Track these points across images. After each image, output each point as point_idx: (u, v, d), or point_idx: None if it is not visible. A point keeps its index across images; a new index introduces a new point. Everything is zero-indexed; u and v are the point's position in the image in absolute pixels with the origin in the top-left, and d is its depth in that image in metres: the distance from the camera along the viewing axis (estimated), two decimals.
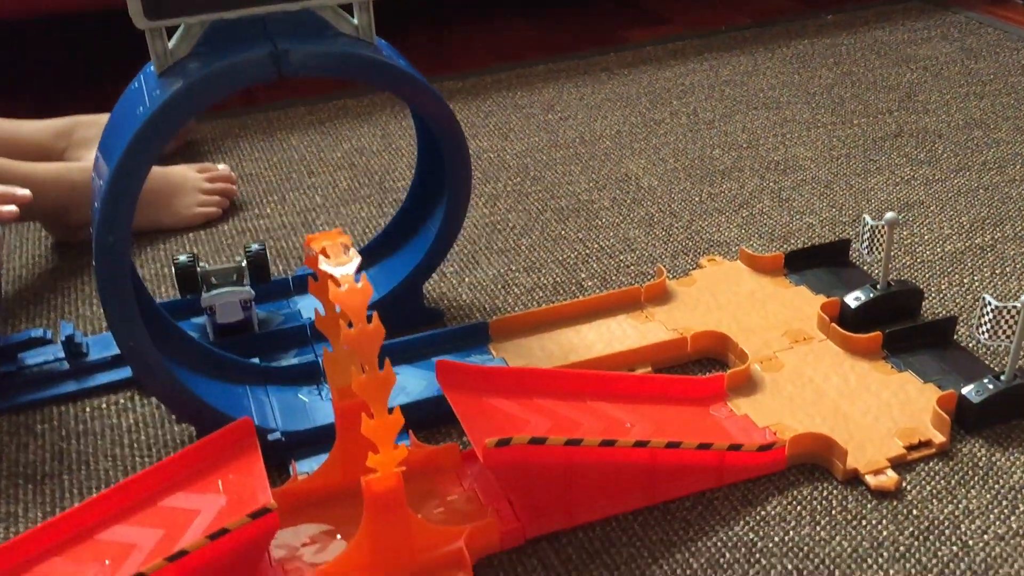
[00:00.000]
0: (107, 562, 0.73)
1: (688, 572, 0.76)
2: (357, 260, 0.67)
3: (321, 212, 1.30)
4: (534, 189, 1.35)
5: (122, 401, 0.96)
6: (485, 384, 0.84)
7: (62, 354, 0.99)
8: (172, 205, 1.26)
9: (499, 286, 1.13)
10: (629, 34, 1.92)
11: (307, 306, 1.08)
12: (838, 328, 0.98)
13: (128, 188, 0.78)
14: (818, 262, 1.11)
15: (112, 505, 0.76)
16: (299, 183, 1.39)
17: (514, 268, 1.17)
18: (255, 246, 1.02)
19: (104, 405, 0.96)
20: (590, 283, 1.13)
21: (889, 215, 0.96)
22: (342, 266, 0.67)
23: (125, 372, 0.98)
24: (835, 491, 0.83)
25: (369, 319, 0.65)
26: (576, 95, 1.64)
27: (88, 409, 0.95)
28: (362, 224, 1.27)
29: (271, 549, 0.77)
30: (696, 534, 0.79)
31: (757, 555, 0.77)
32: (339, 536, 0.79)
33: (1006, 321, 0.85)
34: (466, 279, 1.15)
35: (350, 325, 0.64)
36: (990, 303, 0.86)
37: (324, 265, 0.67)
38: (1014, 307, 0.85)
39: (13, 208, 0.98)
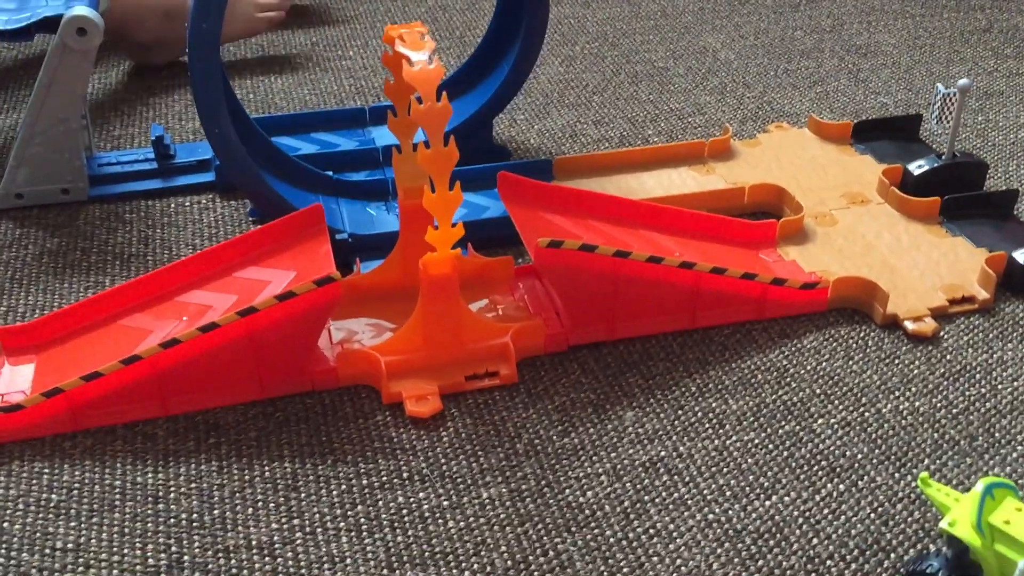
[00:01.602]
0: (184, 318, 0.79)
1: (719, 387, 0.80)
2: (432, 45, 0.71)
3: None
4: (611, 54, 1.36)
5: (204, 201, 1.03)
6: (543, 200, 0.88)
7: (152, 154, 1.05)
8: (233, 16, 1.27)
9: (567, 135, 1.16)
10: None
11: (380, 136, 1.12)
12: (897, 191, 0.99)
13: None
14: (887, 135, 1.11)
15: (190, 273, 0.83)
16: (381, 32, 1.41)
17: (583, 120, 1.19)
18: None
19: (187, 203, 1.02)
20: (656, 139, 1.15)
21: (962, 82, 0.96)
22: (417, 50, 0.70)
23: (208, 176, 1.04)
24: (872, 333, 0.85)
25: (439, 99, 0.68)
26: None
27: (172, 205, 1.02)
28: None
29: (331, 331, 0.83)
30: (731, 356, 0.83)
31: (788, 379, 0.81)
32: (393, 329, 0.84)
33: None
34: (535, 126, 1.18)
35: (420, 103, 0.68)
36: None
37: (400, 47, 0.71)
38: None
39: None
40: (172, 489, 0.70)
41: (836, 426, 0.76)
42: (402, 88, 0.83)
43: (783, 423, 0.77)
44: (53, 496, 0.70)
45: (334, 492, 0.71)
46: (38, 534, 0.67)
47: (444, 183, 0.70)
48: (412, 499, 0.70)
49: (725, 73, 1.31)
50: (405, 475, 0.72)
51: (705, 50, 1.37)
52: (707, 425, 0.76)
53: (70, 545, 0.66)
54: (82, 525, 0.68)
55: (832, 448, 0.74)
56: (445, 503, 0.70)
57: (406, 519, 0.69)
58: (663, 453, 0.74)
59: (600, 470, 0.73)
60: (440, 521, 0.68)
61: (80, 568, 0.65)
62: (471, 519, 0.69)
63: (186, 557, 0.66)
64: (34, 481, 0.71)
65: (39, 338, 0.80)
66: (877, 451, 0.74)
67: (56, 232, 0.97)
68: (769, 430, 0.76)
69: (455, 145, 0.69)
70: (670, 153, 1.07)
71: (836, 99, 1.24)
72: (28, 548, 0.66)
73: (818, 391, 0.80)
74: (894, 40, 1.39)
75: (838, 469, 0.73)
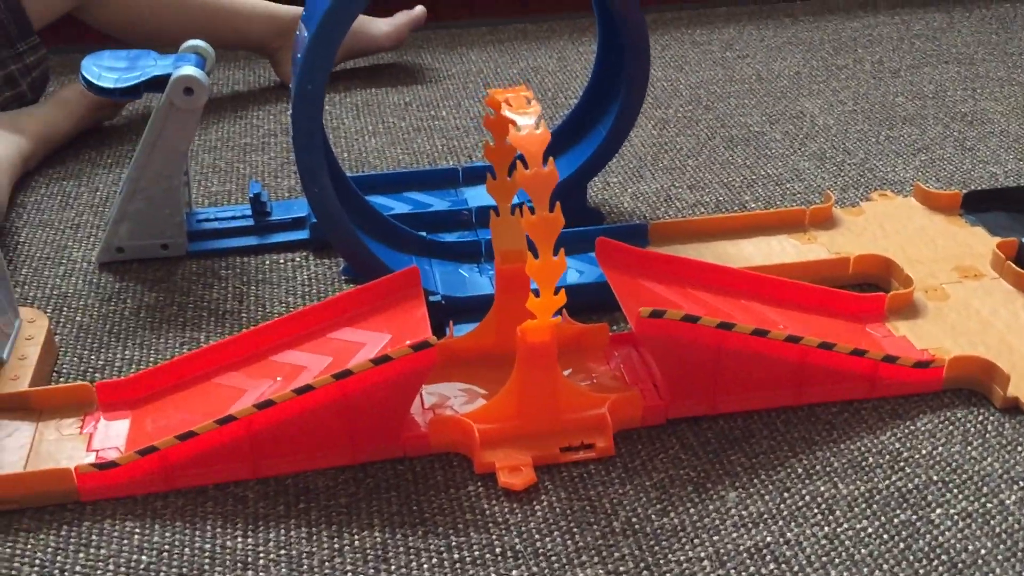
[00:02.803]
0: (278, 379, 0.79)
1: (828, 470, 0.76)
2: (538, 110, 0.70)
3: None
4: (704, 117, 1.34)
5: (298, 259, 1.03)
6: (642, 267, 0.86)
7: (248, 211, 1.07)
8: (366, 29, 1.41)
9: (661, 199, 1.14)
10: None
11: (473, 196, 1.11)
12: (1013, 266, 0.94)
13: (328, 41, 0.83)
14: (1000, 206, 1.06)
15: (285, 332, 0.82)
16: (474, 92, 1.43)
17: (678, 184, 1.17)
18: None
19: (282, 260, 1.03)
20: (754, 205, 1.13)
21: None
22: (523, 114, 0.69)
23: (303, 234, 1.05)
24: (992, 417, 0.80)
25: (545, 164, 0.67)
26: (756, 36, 1.62)
27: (267, 262, 1.02)
28: None
29: (423, 395, 0.82)
30: (840, 437, 0.79)
31: (902, 463, 0.76)
32: (486, 395, 0.82)
33: None
34: (629, 189, 1.16)
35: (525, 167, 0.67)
36: None
37: (506, 111, 0.70)
38: None
39: None
40: (261, 555, 0.69)
41: (956, 517, 0.71)
42: (503, 151, 0.82)
43: (898, 512, 0.72)
44: (143, 558, 0.69)
45: (424, 566, 0.68)
46: None
47: (548, 249, 0.68)
48: None
49: (824, 139, 1.27)
50: (498, 551, 0.69)
51: (802, 115, 1.34)
52: (816, 510, 0.72)
53: None
54: None
55: (952, 542, 0.69)
56: None
57: None
58: (769, 539, 0.70)
59: (702, 554, 0.69)
60: None
61: None
62: None
63: None
64: (125, 541, 0.70)
65: (134, 393, 0.81)
66: (1002, 546, 0.69)
67: (154, 287, 0.98)
68: (883, 519, 0.71)
69: (560, 211, 0.68)
70: (769, 220, 1.04)
71: (942, 167, 1.20)
72: None
73: (935, 478, 0.75)
74: (1001, 108, 1.35)
75: (960, 565, 0.68)
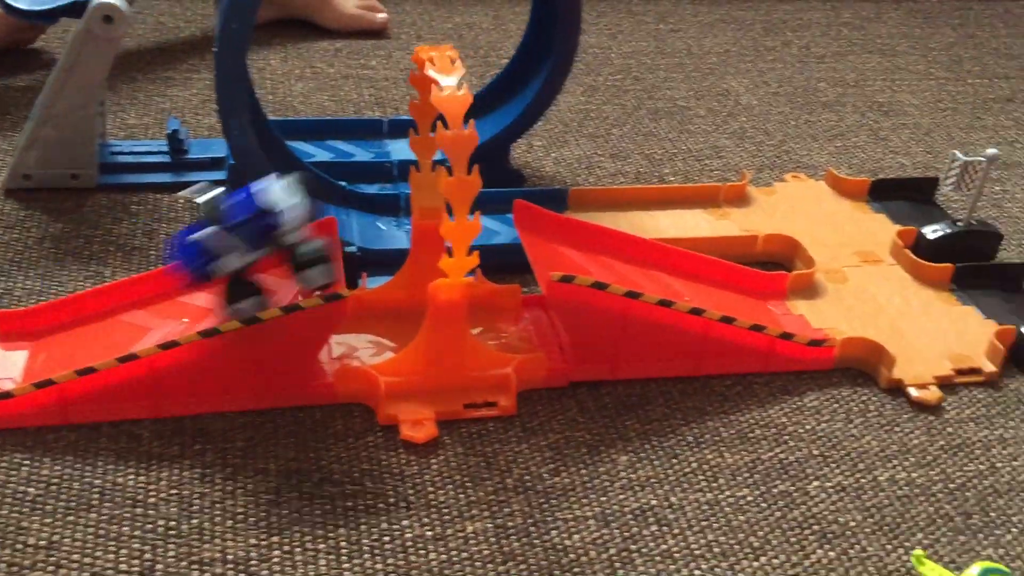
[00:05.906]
0: (185, 320, 0.78)
1: (716, 439, 0.79)
2: (462, 71, 0.70)
3: None
4: (633, 88, 1.36)
5: None
6: (558, 232, 0.87)
7: (165, 147, 1.05)
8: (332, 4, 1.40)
9: (583, 166, 1.16)
10: None
11: (396, 149, 1.11)
12: (910, 254, 0.98)
13: None
14: (903, 195, 1.10)
15: None
16: (406, 44, 1.42)
17: (600, 153, 1.19)
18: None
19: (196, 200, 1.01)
20: (672, 179, 1.15)
21: (991, 151, 0.95)
22: (446, 75, 0.70)
23: (220, 174, 1.03)
24: (875, 397, 0.84)
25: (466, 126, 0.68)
26: (691, 11, 1.63)
27: (181, 200, 1.01)
28: None
29: (332, 344, 0.82)
30: (731, 408, 0.82)
31: (786, 437, 0.80)
32: (394, 348, 0.83)
33: None
34: (552, 154, 1.17)
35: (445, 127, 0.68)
36: None
37: (429, 70, 0.70)
38: None
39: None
40: (152, 494, 0.69)
41: (831, 490, 0.75)
42: (427, 108, 0.82)
43: (778, 482, 0.75)
44: (31, 490, 0.68)
45: (316, 512, 0.69)
46: (11, 528, 0.66)
47: (464, 212, 0.69)
48: (395, 526, 0.69)
49: (746, 118, 1.30)
50: (391, 500, 0.71)
51: (727, 93, 1.37)
52: (701, 477, 0.75)
53: (42, 543, 0.65)
54: (57, 523, 0.66)
55: (825, 513, 0.73)
56: (429, 533, 0.69)
57: (387, 547, 0.67)
58: (654, 502, 0.73)
59: (588, 513, 0.71)
60: (422, 552, 0.67)
61: (51, 567, 0.63)
62: (453, 553, 0.67)
63: (159, 566, 0.64)
64: (13, 472, 0.69)
65: (34, 325, 0.79)
66: (871, 520, 0.73)
67: (60, 217, 0.96)
68: (763, 488, 0.75)
69: (478, 174, 0.68)
70: (686, 194, 1.07)
71: (855, 154, 1.24)
72: (0, 542, 0.65)
73: (815, 452, 0.78)
74: (917, 101, 1.39)
75: (829, 535, 0.71)
